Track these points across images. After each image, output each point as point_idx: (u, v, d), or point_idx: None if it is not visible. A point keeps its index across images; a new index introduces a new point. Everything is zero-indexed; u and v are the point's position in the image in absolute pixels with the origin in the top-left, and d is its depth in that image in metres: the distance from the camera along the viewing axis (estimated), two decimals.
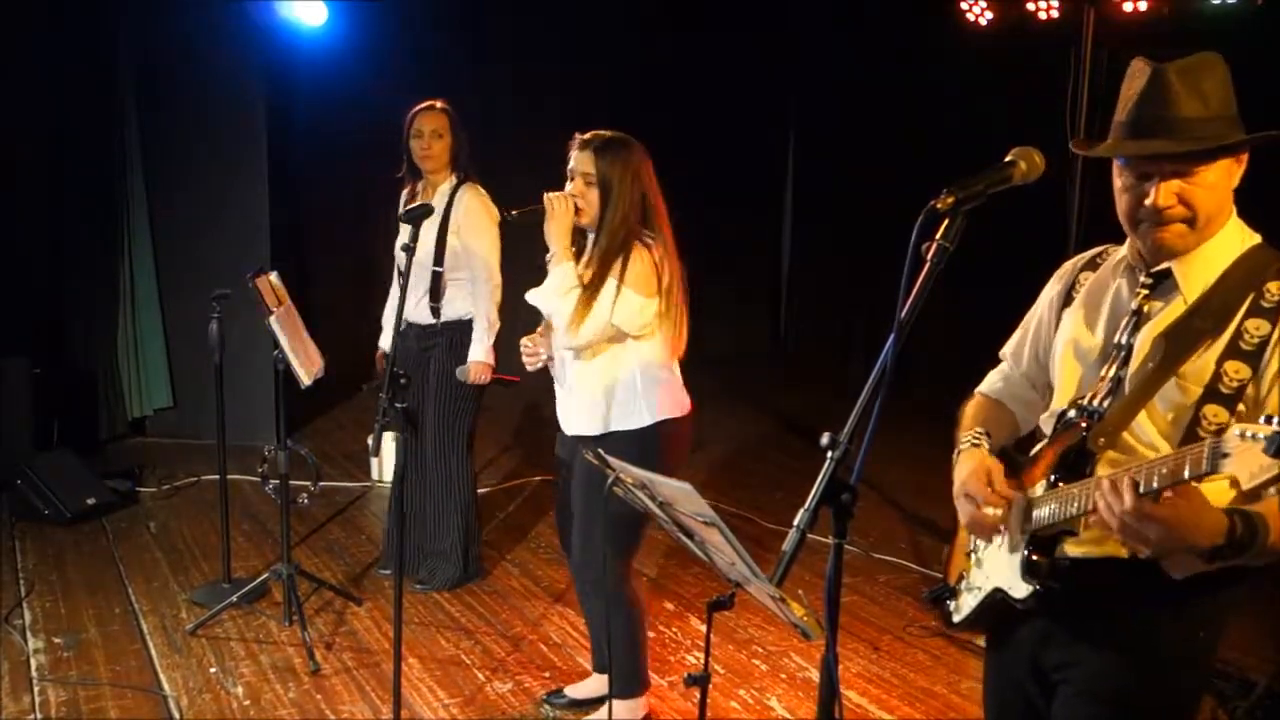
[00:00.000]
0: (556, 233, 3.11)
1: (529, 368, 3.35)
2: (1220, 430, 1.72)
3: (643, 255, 3.08)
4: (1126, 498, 1.59)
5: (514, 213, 3.23)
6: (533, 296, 3.21)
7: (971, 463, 1.95)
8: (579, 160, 3.11)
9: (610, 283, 3.08)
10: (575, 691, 3.63)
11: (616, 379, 3.16)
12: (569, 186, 3.13)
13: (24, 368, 5.72)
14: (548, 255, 3.16)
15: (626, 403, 3.16)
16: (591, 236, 3.19)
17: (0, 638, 4.00)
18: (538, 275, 3.23)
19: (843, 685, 3.58)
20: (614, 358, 3.16)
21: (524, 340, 3.35)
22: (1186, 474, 1.52)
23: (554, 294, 3.12)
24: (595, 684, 3.61)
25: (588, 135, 3.13)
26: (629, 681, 3.35)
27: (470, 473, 4.48)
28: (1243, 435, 1.43)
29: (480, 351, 4.28)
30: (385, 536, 4.78)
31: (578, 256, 3.17)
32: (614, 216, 3.08)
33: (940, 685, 3.78)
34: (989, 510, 1.87)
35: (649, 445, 3.12)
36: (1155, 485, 1.57)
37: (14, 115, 5.83)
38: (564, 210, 3.10)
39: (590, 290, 3.08)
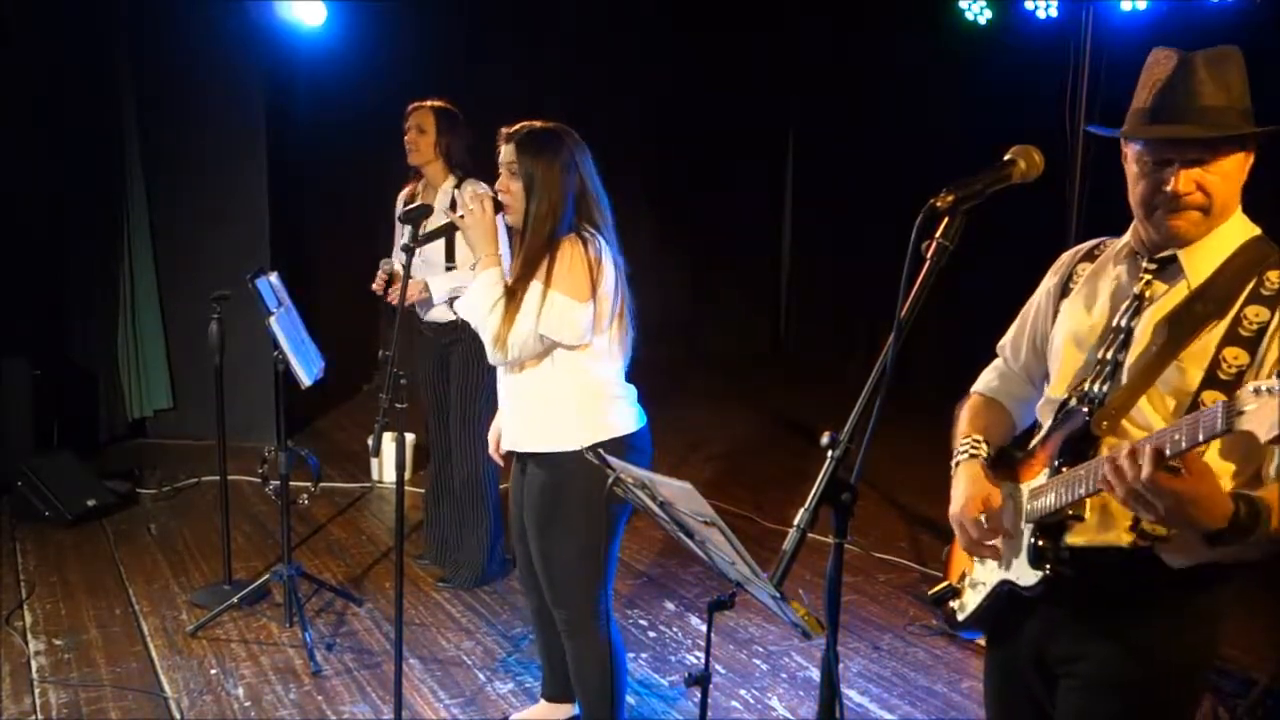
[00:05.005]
0: (477, 238, 2.88)
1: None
2: None
3: (574, 250, 2.79)
4: (1146, 467, 1.55)
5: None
6: (461, 308, 2.97)
7: (968, 485, 1.94)
8: (504, 153, 2.89)
9: (535, 286, 2.79)
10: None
11: (550, 395, 2.89)
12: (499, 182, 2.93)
13: (24, 368, 5.72)
14: (473, 265, 2.94)
15: (562, 421, 2.86)
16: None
17: (1, 639, 4.00)
18: None
19: (843, 685, 3.58)
20: (546, 371, 2.89)
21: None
22: (1202, 436, 1.51)
23: (479, 303, 2.85)
24: (543, 711, 3.41)
25: (514, 128, 2.90)
26: None
27: (496, 469, 4.48)
28: (1257, 390, 1.43)
29: None
30: (425, 530, 4.80)
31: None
32: (539, 209, 2.82)
33: (941, 684, 3.78)
34: (985, 543, 1.89)
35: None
36: (1169, 452, 1.55)
37: (13, 115, 5.83)
38: (480, 214, 2.87)
39: (514, 297, 2.81)
